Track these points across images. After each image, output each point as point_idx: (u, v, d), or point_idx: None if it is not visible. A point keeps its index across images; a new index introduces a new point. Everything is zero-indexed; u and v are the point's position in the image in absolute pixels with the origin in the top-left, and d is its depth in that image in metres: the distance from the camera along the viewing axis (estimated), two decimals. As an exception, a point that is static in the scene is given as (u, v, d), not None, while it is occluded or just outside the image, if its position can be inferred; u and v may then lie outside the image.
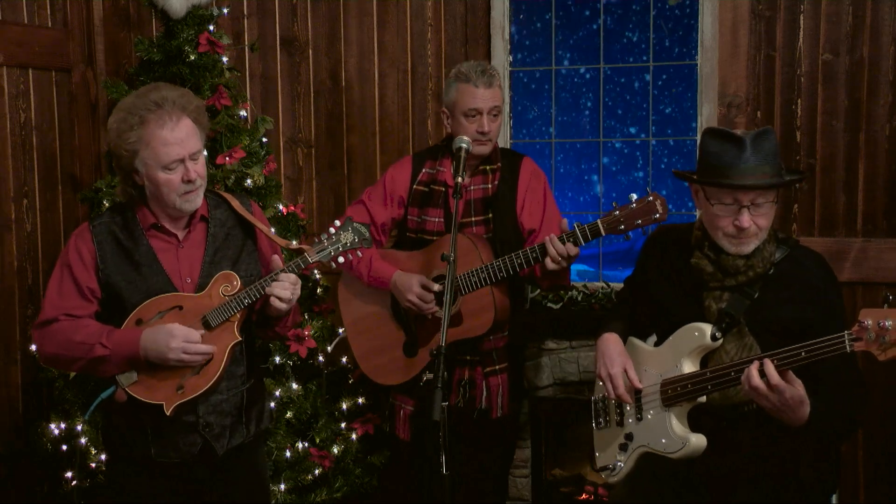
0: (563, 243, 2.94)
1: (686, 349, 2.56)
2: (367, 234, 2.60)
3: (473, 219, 3.27)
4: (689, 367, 2.56)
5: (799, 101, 3.82)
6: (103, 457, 3.61)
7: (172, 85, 2.63)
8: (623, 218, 2.90)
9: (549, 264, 2.97)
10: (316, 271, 4.00)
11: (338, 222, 2.60)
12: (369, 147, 4.30)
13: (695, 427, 2.57)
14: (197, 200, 2.55)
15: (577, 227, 2.96)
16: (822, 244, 3.70)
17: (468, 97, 3.19)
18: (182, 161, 2.48)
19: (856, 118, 3.76)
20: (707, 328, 2.53)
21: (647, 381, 2.65)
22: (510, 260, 3.04)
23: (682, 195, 4.17)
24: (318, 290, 3.99)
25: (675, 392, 2.55)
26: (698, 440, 2.53)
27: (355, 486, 3.87)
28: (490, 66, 3.27)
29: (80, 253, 2.55)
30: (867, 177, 3.77)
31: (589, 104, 4.27)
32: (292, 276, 2.56)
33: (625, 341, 2.77)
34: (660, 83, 4.14)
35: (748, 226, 2.46)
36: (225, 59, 3.86)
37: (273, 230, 2.81)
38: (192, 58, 3.75)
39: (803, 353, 2.31)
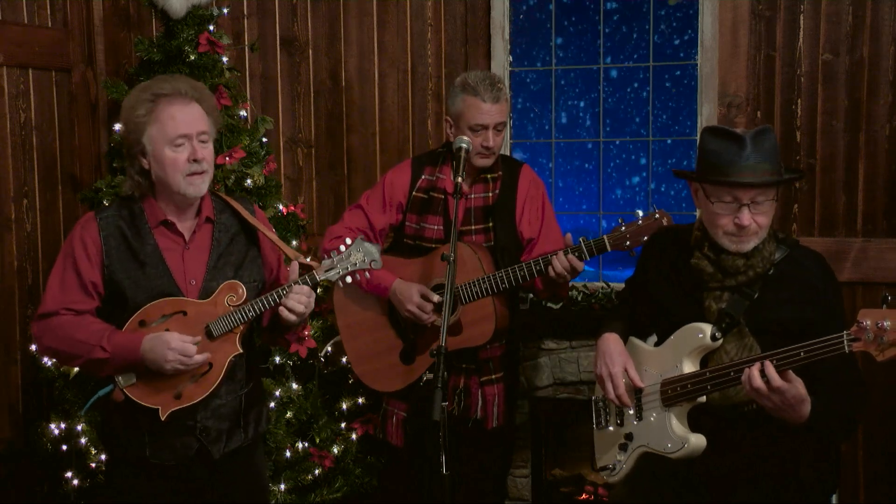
0: (566, 257, 2.96)
1: (686, 349, 2.56)
2: (377, 255, 2.57)
3: (473, 227, 3.26)
4: (689, 367, 2.56)
5: (799, 101, 3.82)
6: (103, 457, 3.62)
7: (190, 78, 2.65)
8: (629, 235, 2.92)
9: (553, 277, 2.98)
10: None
11: (348, 240, 2.56)
12: (369, 147, 4.30)
13: (695, 427, 2.57)
14: (202, 186, 2.53)
15: (583, 241, 2.97)
16: (822, 244, 3.70)
17: (475, 111, 3.16)
18: (189, 139, 2.48)
19: (856, 118, 3.76)
20: (707, 328, 2.53)
21: (648, 381, 2.65)
22: (513, 272, 3.04)
23: (682, 195, 4.16)
24: (318, 290, 3.99)
25: (675, 392, 2.55)
26: (698, 440, 2.53)
27: (355, 486, 3.87)
28: (498, 79, 3.25)
29: (86, 245, 2.53)
30: (867, 177, 3.77)
31: (589, 104, 4.27)
32: (306, 289, 2.55)
33: (625, 341, 2.77)
34: (659, 83, 4.14)
35: (748, 224, 2.46)
36: (225, 59, 3.86)
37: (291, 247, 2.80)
38: (192, 58, 3.75)
39: (802, 354, 2.31)
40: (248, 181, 3.77)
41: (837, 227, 3.80)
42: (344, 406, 3.89)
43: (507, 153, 4.14)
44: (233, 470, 2.67)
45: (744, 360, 2.43)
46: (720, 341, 2.52)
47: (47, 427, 3.71)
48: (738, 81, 3.86)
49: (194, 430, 2.56)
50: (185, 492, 2.63)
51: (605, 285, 4.00)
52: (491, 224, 3.26)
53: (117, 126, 3.84)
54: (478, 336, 3.15)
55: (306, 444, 3.76)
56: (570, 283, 3.98)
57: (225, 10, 4.06)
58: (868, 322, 2.22)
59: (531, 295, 3.87)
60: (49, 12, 4.13)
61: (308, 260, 2.61)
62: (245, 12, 4.36)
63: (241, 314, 2.51)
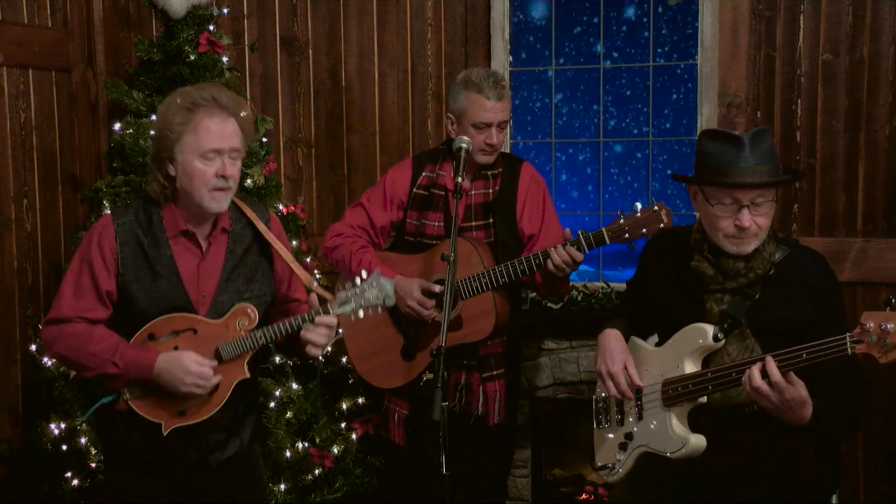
0: (565, 249, 2.95)
1: (688, 349, 2.56)
2: (391, 292, 2.51)
3: (474, 223, 3.26)
4: (690, 367, 2.56)
5: (799, 101, 3.81)
6: (103, 457, 3.62)
7: (228, 89, 2.61)
8: (628, 227, 2.90)
9: (552, 270, 2.97)
10: (316, 271, 4.00)
11: (364, 273, 2.53)
12: (369, 147, 4.30)
13: (695, 427, 2.57)
14: (224, 203, 2.51)
15: (582, 234, 2.96)
16: (822, 244, 3.69)
17: (478, 109, 3.15)
18: (220, 154, 2.47)
19: (856, 118, 3.76)
20: (709, 329, 2.53)
21: (648, 381, 2.65)
22: (513, 266, 3.03)
23: (682, 195, 4.16)
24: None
25: (675, 392, 2.55)
26: (698, 440, 2.53)
27: (355, 486, 3.87)
28: (501, 76, 3.24)
29: (103, 252, 2.49)
30: (867, 177, 3.77)
31: (589, 104, 4.27)
32: (329, 319, 2.51)
33: (627, 339, 2.77)
34: (659, 83, 4.14)
35: (749, 225, 2.46)
36: (225, 59, 3.86)
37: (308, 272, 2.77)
38: (192, 58, 3.75)
39: (804, 355, 2.31)
40: (249, 181, 3.77)
41: (837, 227, 3.80)
42: (344, 406, 3.89)
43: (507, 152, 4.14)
44: (232, 471, 2.66)
45: (746, 360, 2.43)
46: (722, 342, 2.52)
47: (47, 427, 3.71)
48: (738, 81, 3.86)
49: (192, 439, 2.56)
50: (184, 493, 2.63)
51: (605, 285, 3.99)
52: (491, 220, 3.26)
53: (117, 126, 3.86)
54: (478, 331, 3.15)
55: (306, 444, 3.76)
56: (571, 284, 3.99)
57: (225, 10, 4.06)
58: (871, 324, 2.22)
59: (532, 293, 3.88)
60: (49, 12, 4.12)
61: (321, 288, 2.59)
62: (245, 12, 4.36)
63: (252, 341, 2.51)
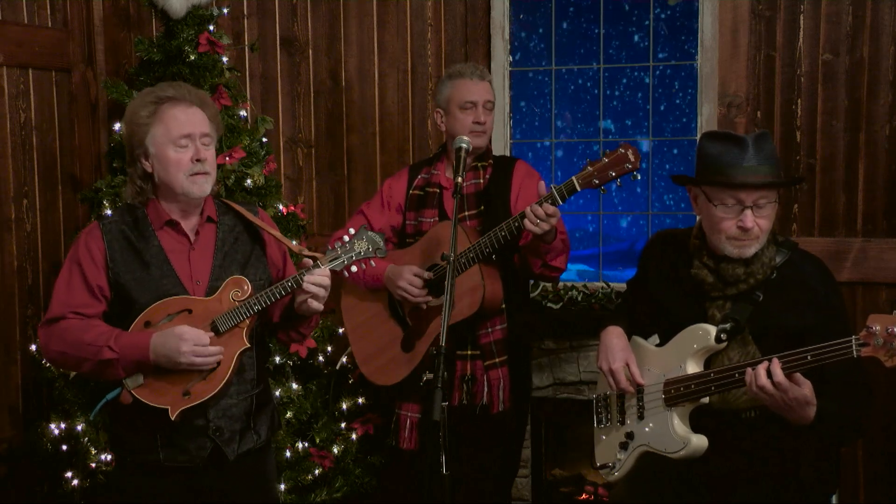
0: (540, 206, 2.95)
1: (690, 350, 2.56)
2: (382, 244, 2.55)
3: (467, 213, 3.30)
4: (692, 367, 2.56)
5: (799, 101, 3.81)
6: (103, 457, 3.62)
7: (190, 85, 2.67)
8: (596, 172, 2.91)
9: (530, 227, 2.96)
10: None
11: (352, 230, 2.56)
12: (369, 147, 4.30)
13: (695, 427, 2.56)
14: (206, 186, 2.54)
15: (554, 187, 2.97)
16: (822, 244, 3.70)
17: (463, 90, 3.27)
18: (192, 139, 2.51)
19: (856, 118, 3.76)
20: (712, 329, 2.52)
21: (650, 381, 2.64)
22: (494, 234, 3.05)
23: (682, 195, 4.17)
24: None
25: (678, 392, 2.55)
26: (699, 441, 2.53)
27: (355, 486, 3.87)
28: (481, 65, 3.37)
29: (91, 250, 2.53)
30: (867, 177, 3.76)
31: (589, 105, 4.27)
32: (321, 274, 2.51)
33: (629, 338, 2.77)
34: (659, 83, 4.14)
35: (752, 226, 2.45)
36: (225, 59, 3.86)
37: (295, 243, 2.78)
38: (192, 58, 3.75)
39: (809, 357, 2.30)
40: (248, 181, 3.77)
41: (837, 227, 3.80)
42: (344, 406, 3.89)
43: (508, 153, 4.14)
44: (244, 474, 2.65)
45: (750, 361, 2.42)
46: (725, 343, 2.52)
47: (47, 427, 3.71)
48: (738, 81, 3.86)
49: (207, 430, 2.55)
50: (195, 495, 2.61)
51: (605, 285, 4.00)
52: (482, 208, 3.30)
53: (117, 126, 3.85)
54: (468, 307, 3.15)
55: (306, 444, 3.77)
56: (571, 284, 4.01)
57: (225, 10, 4.06)
58: (877, 327, 2.21)
59: (535, 291, 3.88)
60: (49, 12, 4.13)
61: (309, 251, 2.60)
62: (245, 12, 4.36)
63: (247, 308, 2.51)
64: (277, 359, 3.73)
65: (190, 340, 2.43)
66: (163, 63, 3.81)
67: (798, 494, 2.52)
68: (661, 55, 4.14)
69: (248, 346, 2.54)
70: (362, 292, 3.40)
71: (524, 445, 4.07)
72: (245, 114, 3.92)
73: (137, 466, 2.60)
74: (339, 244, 2.55)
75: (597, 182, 2.91)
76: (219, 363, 2.50)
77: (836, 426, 2.42)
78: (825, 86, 3.78)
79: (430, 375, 2.56)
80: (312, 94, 4.35)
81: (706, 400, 2.53)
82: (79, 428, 3.66)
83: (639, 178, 2.92)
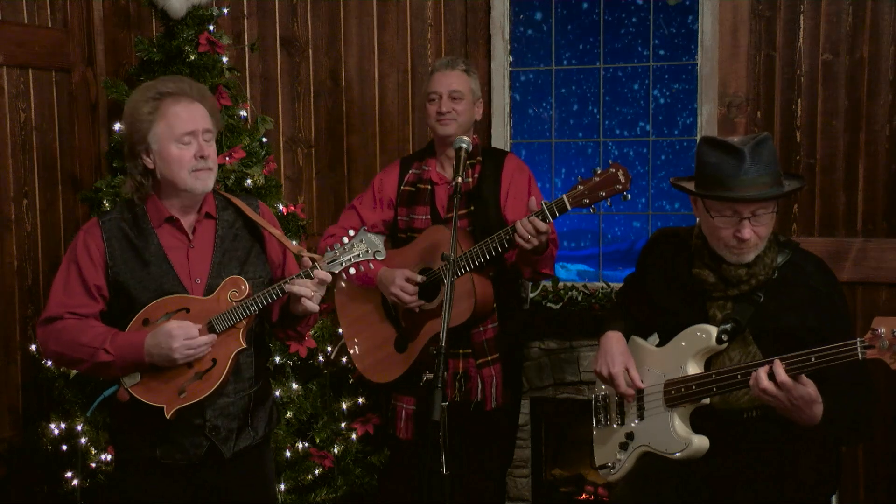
0: (530, 221, 2.97)
1: (691, 350, 2.56)
2: (381, 247, 2.54)
3: (456, 212, 3.30)
4: (693, 368, 2.55)
5: (799, 101, 3.81)
6: (104, 457, 3.62)
7: (188, 78, 2.67)
8: (587, 191, 2.92)
9: (521, 242, 2.98)
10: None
11: (352, 232, 2.55)
12: (369, 147, 4.30)
13: (695, 428, 2.56)
14: (208, 182, 2.54)
15: (545, 204, 2.98)
16: (822, 244, 3.69)
17: (430, 83, 3.38)
18: (195, 136, 2.50)
19: (856, 118, 3.76)
20: (713, 330, 2.52)
21: (650, 381, 2.64)
22: (485, 245, 3.07)
23: (683, 195, 4.16)
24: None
25: (679, 393, 2.55)
26: (700, 442, 2.53)
27: (355, 486, 3.86)
28: (462, 59, 3.45)
29: (89, 249, 2.53)
30: (867, 177, 3.76)
31: (589, 104, 4.27)
32: (321, 275, 2.52)
33: (627, 339, 2.77)
34: (659, 83, 4.14)
35: (749, 237, 2.45)
36: (225, 59, 3.86)
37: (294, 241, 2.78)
38: (192, 58, 3.75)
39: (813, 359, 2.29)
40: (248, 181, 3.76)
41: (837, 227, 3.80)
42: (344, 406, 3.89)
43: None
44: (242, 471, 2.66)
45: (751, 363, 2.42)
46: (726, 344, 2.52)
47: (47, 427, 3.71)
48: (738, 81, 3.86)
49: (203, 428, 2.56)
50: (194, 492, 2.62)
51: (605, 285, 4.00)
52: (471, 208, 3.31)
53: (117, 126, 3.85)
54: (458, 315, 3.16)
55: (306, 444, 3.76)
56: (571, 284, 4.01)
57: (225, 10, 4.05)
58: (883, 330, 2.20)
59: (535, 291, 3.90)
60: (49, 12, 4.12)
61: (308, 253, 2.60)
62: (245, 12, 4.36)
63: (244, 309, 2.50)
64: (277, 358, 3.73)
65: (180, 336, 2.44)
66: (163, 63, 3.80)
67: (798, 494, 2.52)
68: (661, 55, 4.14)
69: (244, 346, 2.53)
70: (356, 289, 3.42)
71: (524, 446, 4.07)
72: (245, 114, 3.91)
73: (136, 464, 2.61)
74: (339, 245, 2.54)
75: (587, 202, 2.93)
76: (214, 363, 2.50)
77: (842, 426, 2.42)
78: (825, 86, 3.78)
79: (430, 375, 2.56)
80: (312, 94, 4.34)
81: (707, 401, 2.53)
82: (79, 428, 3.66)
83: (629, 198, 2.92)
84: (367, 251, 2.53)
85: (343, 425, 3.89)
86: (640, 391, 2.66)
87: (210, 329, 2.50)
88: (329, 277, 2.53)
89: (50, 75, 4.13)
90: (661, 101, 4.16)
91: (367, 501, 3.96)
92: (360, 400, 3.92)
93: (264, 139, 3.95)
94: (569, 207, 2.95)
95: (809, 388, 2.32)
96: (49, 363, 3.72)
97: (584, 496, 4.19)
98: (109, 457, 3.58)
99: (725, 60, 3.87)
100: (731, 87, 3.87)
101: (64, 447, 3.70)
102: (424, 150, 3.51)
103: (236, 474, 2.65)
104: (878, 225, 3.76)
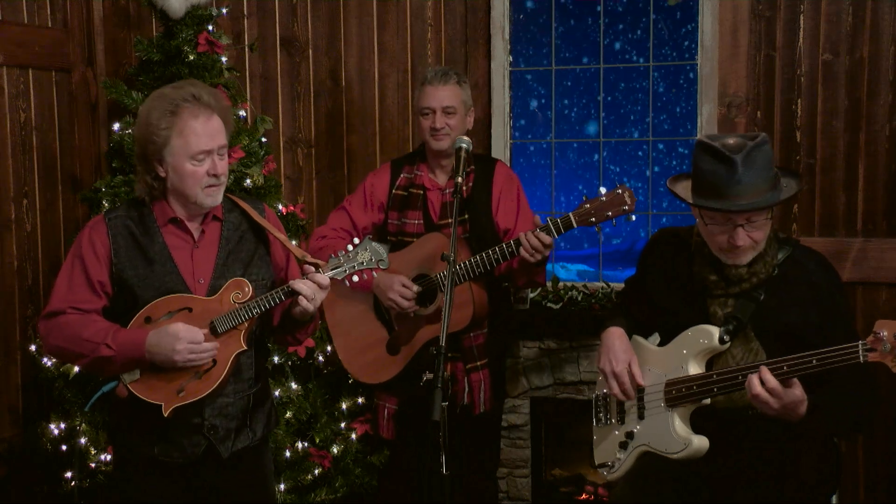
0: (535, 235, 3.01)
1: (692, 351, 2.56)
2: (385, 255, 2.56)
3: (451, 220, 3.30)
4: (694, 368, 2.55)
5: (799, 101, 3.81)
6: (103, 457, 3.62)
7: (204, 83, 2.65)
8: (594, 210, 2.98)
9: (525, 255, 3.03)
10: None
11: (356, 240, 2.57)
12: (369, 147, 4.30)
13: (695, 427, 2.56)
14: (218, 197, 2.56)
15: (551, 220, 3.03)
16: (822, 244, 3.69)
17: (423, 97, 3.35)
18: (210, 154, 2.50)
19: (856, 118, 3.76)
20: (715, 331, 2.52)
21: (651, 381, 2.64)
22: (487, 256, 3.10)
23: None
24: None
25: (679, 393, 2.55)
26: (700, 442, 2.53)
27: (355, 486, 3.87)
28: (453, 69, 3.43)
29: (94, 246, 2.54)
30: (867, 177, 3.76)
31: (589, 105, 4.27)
32: (321, 279, 2.53)
33: (629, 337, 2.76)
34: (659, 84, 4.14)
35: (743, 244, 2.45)
36: (224, 59, 3.86)
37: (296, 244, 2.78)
38: (192, 58, 3.75)
39: (815, 361, 2.29)
40: (248, 181, 3.76)
41: (837, 227, 3.80)
42: (344, 406, 3.89)
43: (508, 153, 4.15)
44: (241, 470, 2.66)
45: (752, 364, 2.42)
46: (728, 344, 2.51)
47: (47, 427, 3.71)
48: (738, 81, 3.86)
49: (201, 428, 2.56)
50: (193, 492, 2.63)
51: (605, 285, 4.00)
52: (466, 216, 3.33)
53: (117, 126, 3.86)
54: (457, 322, 3.19)
55: (306, 444, 3.76)
56: (571, 284, 4.01)
57: (224, 10, 4.05)
58: (885, 333, 2.19)
59: (535, 292, 3.91)
60: (49, 12, 4.12)
61: (313, 258, 2.61)
62: (245, 12, 4.36)
63: (247, 311, 2.51)
64: (277, 359, 3.73)
65: (184, 339, 2.44)
66: (162, 63, 3.80)
67: (798, 494, 2.52)
68: (661, 54, 4.14)
69: (245, 348, 2.54)
70: (344, 289, 3.39)
71: (524, 446, 4.07)
72: (244, 114, 3.92)
73: (134, 463, 2.62)
74: (343, 253, 2.56)
75: (593, 220, 2.98)
76: (215, 363, 2.50)
77: (831, 419, 2.42)
78: (825, 86, 3.78)
79: (430, 375, 2.57)
80: (312, 94, 4.34)
81: (707, 401, 2.53)
82: (79, 428, 3.66)
83: (633, 219, 2.97)
84: (372, 260, 2.55)
85: (343, 425, 3.89)
86: (640, 390, 2.66)
87: (212, 330, 2.51)
88: (328, 282, 2.54)
89: (50, 75, 4.14)
90: (661, 100, 4.16)
91: (366, 501, 3.96)
92: (360, 400, 3.92)
93: (264, 139, 3.95)
94: (575, 225, 3.02)
95: (797, 389, 2.32)
96: (49, 363, 3.72)
97: (584, 496, 4.19)
98: (109, 457, 3.58)
99: (725, 60, 3.87)
100: (731, 87, 3.87)
101: (64, 447, 3.70)
102: (415, 153, 3.51)
103: (235, 474, 2.65)
104: (878, 225, 3.76)
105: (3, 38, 3.86)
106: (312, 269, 2.54)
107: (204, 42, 3.76)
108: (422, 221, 3.36)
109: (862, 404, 2.48)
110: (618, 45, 4.21)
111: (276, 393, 3.69)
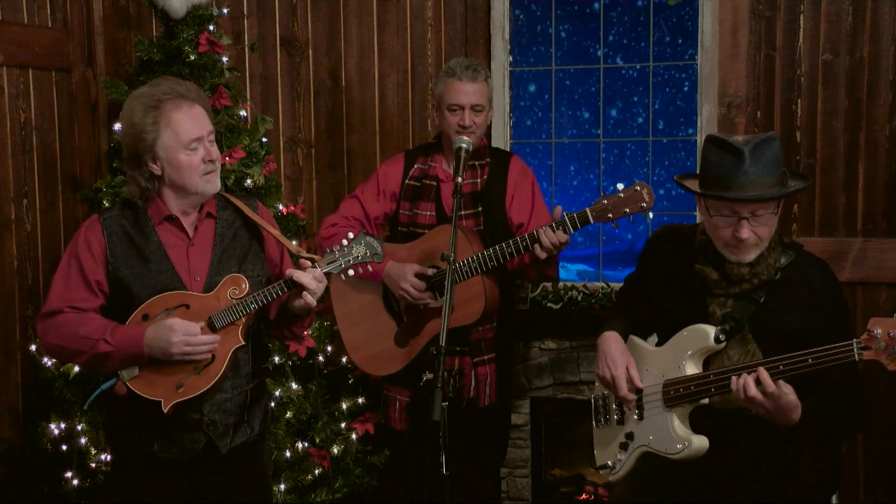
0: (554, 232, 3.00)
1: (689, 350, 2.56)
2: (379, 249, 2.58)
3: (463, 212, 3.32)
4: (691, 368, 2.56)
5: (799, 101, 3.81)
6: (103, 457, 3.62)
7: (175, 77, 2.69)
8: (611, 206, 2.96)
9: (539, 252, 3.02)
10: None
11: (351, 234, 2.59)
12: (369, 147, 4.30)
13: (695, 428, 2.56)
14: (216, 182, 2.58)
15: (567, 215, 3.02)
16: (822, 244, 3.69)
17: (452, 92, 3.30)
18: (201, 141, 2.53)
19: (856, 118, 3.76)
20: (711, 330, 2.53)
21: (649, 381, 2.64)
22: (501, 249, 3.08)
23: (684, 194, 4.16)
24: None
25: (677, 393, 2.55)
26: (700, 442, 2.53)
27: (355, 486, 3.86)
28: (478, 63, 3.37)
29: (90, 245, 2.56)
30: (867, 177, 3.76)
31: (589, 105, 4.27)
32: (315, 272, 2.54)
33: (626, 339, 2.77)
34: (660, 84, 4.14)
35: (747, 237, 2.45)
36: (225, 59, 3.86)
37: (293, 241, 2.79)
38: (192, 58, 3.75)
39: (810, 360, 2.30)
40: (248, 181, 3.77)
41: (837, 227, 3.80)
42: (344, 406, 3.89)
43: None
44: (238, 467, 2.68)
45: (748, 363, 2.42)
46: (724, 344, 2.52)
47: (47, 427, 3.71)
48: (738, 81, 3.86)
49: (201, 423, 2.58)
50: (192, 489, 2.64)
51: (605, 285, 4.00)
52: (480, 209, 3.32)
53: (117, 126, 3.85)
54: (468, 315, 3.19)
55: (306, 444, 3.76)
56: (571, 284, 4.02)
57: (225, 10, 4.05)
58: (879, 330, 2.20)
59: (535, 291, 3.91)
60: (49, 12, 4.12)
61: (310, 254, 2.62)
62: (245, 12, 4.36)
63: (244, 306, 2.53)
64: (277, 358, 3.73)
65: (180, 331, 2.46)
66: (163, 63, 3.80)
67: (798, 494, 2.52)
68: (660, 55, 4.14)
69: (243, 343, 2.56)
70: (354, 279, 3.40)
71: (524, 446, 4.07)
72: (245, 114, 3.91)
73: (134, 461, 2.63)
74: (338, 247, 2.57)
75: (610, 216, 2.96)
76: (213, 358, 2.52)
77: (825, 423, 2.42)
78: (825, 86, 3.78)
79: (430, 375, 2.58)
80: (312, 94, 4.34)
81: (706, 401, 2.53)
82: (79, 428, 3.66)
83: (651, 217, 2.94)
84: (367, 254, 2.57)
85: (343, 425, 3.88)
86: (639, 392, 2.66)
87: (210, 325, 2.52)
88: (324, 277, 2.55)
89: (50, 75, 4.13)
90: (661, 100, 4.16)
91: (366, 501, 3.96)
92: (360, 400, 3.93)
93: (264, 139, 3.95)
94: (591, 221, 2.99)
95: (791, 394, 2.32)
96: (49, 363, 3.73)
97: (584, 496, 4.19)
98: (109, 457, 3.58)
99: (725, 60, 3.87)
100: (731, 87, 3.87)
101: (64, 447, 3.70)
102: (431, 145, 3.50)
103: (234, 471, 2.67)
104: (878, 225, 3.76)
105: (3, 38, 3.86)
106: (309, 264, 2.55)
107: (205, 42, 3.76)
108: (434, 213, 3.35)
109: (855, 405, 2.48)
110: (618, 45, 4.21)
111: (277, 393, 3.69)
